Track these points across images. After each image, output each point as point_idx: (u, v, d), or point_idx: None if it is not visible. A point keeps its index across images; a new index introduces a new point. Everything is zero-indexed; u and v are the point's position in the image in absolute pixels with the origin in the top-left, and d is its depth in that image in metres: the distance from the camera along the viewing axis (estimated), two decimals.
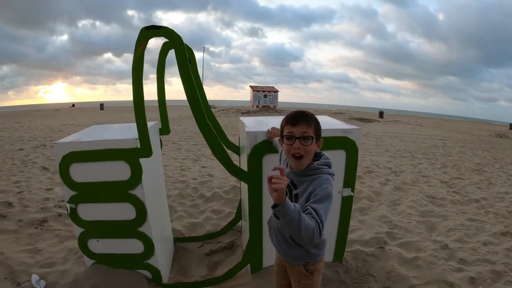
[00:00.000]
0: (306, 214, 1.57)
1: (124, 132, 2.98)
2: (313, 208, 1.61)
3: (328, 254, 3.19)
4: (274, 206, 1.49)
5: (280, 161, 2.11)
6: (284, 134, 1.80)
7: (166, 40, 2.86)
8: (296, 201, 1.78)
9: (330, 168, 1.88)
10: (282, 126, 1.85)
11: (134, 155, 2.59)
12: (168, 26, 2.31)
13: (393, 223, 4.62)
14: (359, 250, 3.71)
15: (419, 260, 3.55)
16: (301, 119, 1.77)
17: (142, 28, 2.31)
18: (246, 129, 2.72)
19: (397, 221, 4.70)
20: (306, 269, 1.95)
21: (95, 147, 2.60)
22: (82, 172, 2.67)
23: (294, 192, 1.83)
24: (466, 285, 3.14)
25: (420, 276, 3.29)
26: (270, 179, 1.47)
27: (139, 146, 2.58)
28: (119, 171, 2.64)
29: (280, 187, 1.43)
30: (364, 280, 3.21)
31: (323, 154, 1.92)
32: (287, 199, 1.49)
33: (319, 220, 1.57)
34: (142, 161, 2.63)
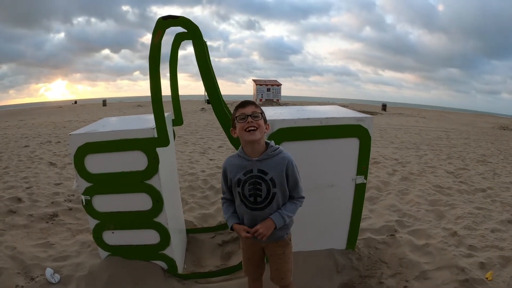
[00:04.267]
0: (291, 202, 2.15)
1: (140, 123, 3.00)
2: (295, 193, 2.16)
3: (341, 241, 3.23)
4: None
5: (227, 180, 2.23)
6: (237, 116, 2.06)
7: (180, 31, 2.86)
8: (273, 185, 2.07)
9: None
10: (234, 113, 2.11)
11: (151, 145, 2.61)
12: (185, 16, 2.31)
13: (402, 212, 4.65)
14: (371, 238, 3.73)
15: (430, 246, 3.57)
16: (249, 103, 2.10)
17: (159, 18, 2.31)
18: None
19: (406, 210, 4.73)
20: (289, 238, 2.29)
21: (112, 138, 2.62)
22: (97, 163, 2.69)
23: (268, 177, 2.06)
24: (476, 270, 3.17)
25: (431, 262, 3.31)
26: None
27: (156, 136, 2.60)
28: (135, 161, 2.66)
29: (264, 236, 2.06)
30: (377, 266, 3.24)
31: (270, 142, 2.18)
32: (274, 219, 2.08)
33: (301, 198, 2.18)
34: (158, 151, 2.65)
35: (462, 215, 4.54)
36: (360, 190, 3.00)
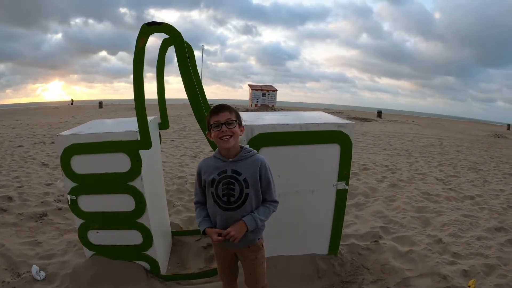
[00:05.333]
0: (264, 206, 2.17)
1: (124, 126, 3.04)
2: (268, 195, 2.17)
3: (323, 246, 3.26)
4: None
5: (200, 181, 2.24)
6: (211, 123, 2.08)
7: (166, 36, 2.92)
8: (247, 186, 2.10)
9: None
10: (208, 119, 2.11)
11: (134, 147, 2.66)
12: (168, 23, 2.37)
13: (388, 218, 4.69)
14: (355, 244, 3.77)
15: (413, 253, 3.61)
16: (223, 109, 2.09)
17: (143, 24, 2.37)
18: (243, 123, 2.78)
19: (392, 216, 4.77)
20: (260, 243, 2.30)
21: (96, 140, 2.68)
22: (83, 164, 2.74)
23: (241, 177, 2.10)
24: (459, 278, 3.20)
25: (414, 268, 3.35)
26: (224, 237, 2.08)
27: (139, 139, 2.65)
28: (119, 163, 2.71)
29: (238, 239, 2.08)
30: (359, 272, 3.27)
31: (246, 146, 2.23)
32: (246, 222, 2.09)
33: (274, 201, 2.19)
34: (142, 153, 2.70)
35: (449, 222, 4.57)
36: (341, 196, 3.04)
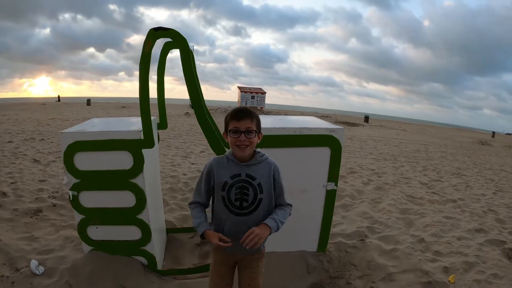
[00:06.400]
0: (280, 209, 2.10)
1: (127, 125, 3.16)
2: (283, 199, 2.12)
3: (312, 244, 3.42)
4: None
5: (209, 181, 2.13)
6: (230, 129, 1.98)
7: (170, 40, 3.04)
8: (261, 190, 2.03)
9: None
10: (227, 121, 2.02)
11: (137, 146, 2.79)
12: (174, 29, 2.50)
13: (373, 219, 4.87)
14: (342, 242, 3.93)
15: (397, 251, 3.79)
16: (245, 115, 1.97)
17: (151, 29, 2.49)
18: None
19: (378, 217, 4.96)
20: (264, 249, 2.26)
21: (100, 138, 2.79)
22: (85, 161, 2.84)
23: (256, 182, 2.02)
24: (440, 274, 3.39)
25: (397, 265, 3.52)
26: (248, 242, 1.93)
27: (142, 138, 2.78)
28: (122, 160, 2.83)
29: (259, 241, 1.94)
30: (346, 268, 3.43)
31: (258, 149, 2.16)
32: (268, 225, 1.99)
33: (290, 205, 2.14)
34: (143, 152, 2.82)
35: (431, 223, 4.78)
36: (330, 196, 3.21)
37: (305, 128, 3.01)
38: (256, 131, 2.00)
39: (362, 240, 4.07)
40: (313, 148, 3.04)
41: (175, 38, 2.58)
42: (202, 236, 2.05)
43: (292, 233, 3.26)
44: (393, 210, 5.38)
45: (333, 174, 3.12)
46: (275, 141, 2.93)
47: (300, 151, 3.03)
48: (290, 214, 2.13)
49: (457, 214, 5.41)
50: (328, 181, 3.14)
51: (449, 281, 3.29)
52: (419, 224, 4.80)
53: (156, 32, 2.51)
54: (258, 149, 2.13)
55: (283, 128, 2.96)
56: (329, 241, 3.53)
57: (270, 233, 2.00)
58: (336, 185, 3.17)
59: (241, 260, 2.20)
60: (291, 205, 2.14)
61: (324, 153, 3.06)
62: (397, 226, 4.66)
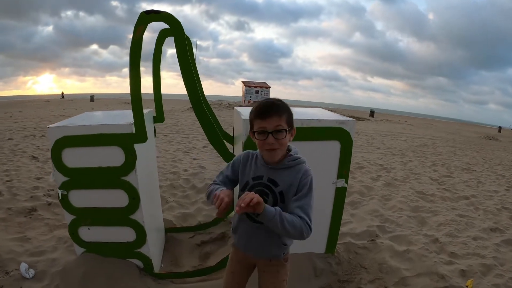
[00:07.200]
0: (293, 213, 1.64)
1: (118, 118, 2.95)
2: (299, 207, 1.65)
3: (320, 245, 3.21)
4: (257, 214, 1.61)
5: (235, 173, 1.90)
6: (255, 130, 1.69)
7: (165, 27, 2.82)
8: (282, 199, 1.73)
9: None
10: (252, 120, 1.72)
11: (128, 140, 2.57)
12: (167, 11, 2.28)
13: (384, 217, 4.66)
14: (351, 242, 3.73)
15: (410, 253, 3.58)
16: (272, 112, 1.64)
17: (142, 13, 2.28)
18: (242, 117, 2.71)
19: (388, 216, 4.75)
20: (284, 259, 1.93)
21: (89, 132, 2.58)
22: (75, 157, 2.64)
23: (278, 189, 1.74)
24: (457, 278, 3.18)
25: (411, 268, 3.32)
26: (242, 204, 1.51)
27: (134, 131, 2.56)
28: (112, 156, 2.61)
29: (255, 201, 1.51)
30: (356, 271, 3.23)
31: (294, 148, 1.83)
32: (266, 206, 1.57)
33: (306, 218, 1.63)
34: (136, 147, 2.61)
35: (444, 222, 4.58)
36: (340, 194, 2.99)
37: (313, 120, 2.77)
38: (287, 130, 1.67)
39: (372, 240, 3.86)
40: (321, 141, 2.81)
41: (169, 22, 2.36)
42: (209, 196, 1.79)
43: None
44: (404, 207, 5.17)
45: (343, 170, 2.90)
46: None
47: (307, 145, 2.76)
48: (300, 229, 1.62)
49: (470, 212, 5.22)
50: (337, 178, 2.93)
51: (467, 285, 3.09)
52: (432, 223, 4.59)
53: (148, 16, 2.28)
54: (293, 148, 1.81)
55: None
56: (337, 242, 3.32)
57: (261, 213, 1.57)
58: (346, 182, 2.95)
59: (258, 263, 1.96)
60: (308, 224, 1.64)
61: (334, 147, 2.83)
62: (409, 225, 4.46)
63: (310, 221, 1.64)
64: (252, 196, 1.52)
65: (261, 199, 1.55)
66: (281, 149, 1.69)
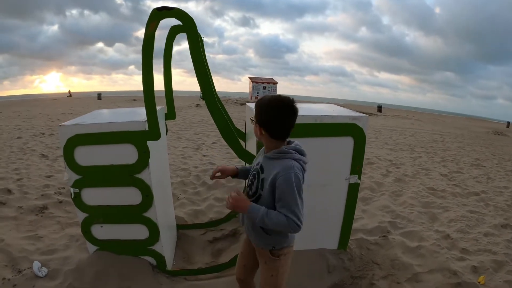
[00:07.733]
0: (279, 212, 1.77)
1: (131, 115, 2.94)
2: (283, 207, 1.75)
3: (332, 241, 3.20)
4: None
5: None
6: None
7: (175, 24, 2.81)
8: (262, 186, 1.88)
9: (302, 155, 1.90)
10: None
11: (142, 138, 2.55)
12: (180, 8, 2.26)
13: (395, 213, 4.65)
14: (363, 238, 3.71)
15: (422, 249, 3.56)
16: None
17: (154, 9, 2.25)
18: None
19: (399, 211, 4.73)
20: (272, 253, 2.00)
21: (102, 130, 2.56)
22: (87, 156, 2.62)
23: (261, 176, 1.90)
24: (469, 274, 3.17)
25: (423, 264, 3.30)
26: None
27: (147, 129, 2.54)
28: (125, 154, 2.60)
29: (230, 207, 1.85)
30: (368, 267, 3.21)
31: (294, 141, 1.94)
32: (251, 205, 1.82)
33: (292, 217, 1.72)
34: (149, 145, 2.60)
35: (455, 218, 4.56)
36: (353, 190, 2.97)
37: (327, 116, 2.75)
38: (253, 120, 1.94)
39: (384, 236, 3.84)
40: (334, 138, 2.78)
41: (181, 18, 2.33)
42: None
43: (311, 230, 3.03)
44: (415, 203, 5.15)
45: (356, 166, 2.88)
46: (293, 130, 2.68)
47: (320, 141, 2.76)
48: (288, 226, 1.73)
49: (481, 208, 5.18)
50: (350, 174, 2.90)
51: (479, 282, 3.08)
52: (443, 219, 4.56)
53: (160, 12, 2.26)
54: (293, 143, 1.93)
55: (302, 116, 2.68)
56: (350, 238, 3.30)
57: (247, 212, 1.82)
58: (359, 178, 2.92)
59: (255, 248, 2.11)
60: (295, 220, 1.72)
61: (347, 143, 2.81)
62: (420, 221, 4.44)
63: (298, 218, 1.73)
64: (230, 201, 1.85)
65: (236, 203, 1.83)
66: (261, 140, 1.92)
